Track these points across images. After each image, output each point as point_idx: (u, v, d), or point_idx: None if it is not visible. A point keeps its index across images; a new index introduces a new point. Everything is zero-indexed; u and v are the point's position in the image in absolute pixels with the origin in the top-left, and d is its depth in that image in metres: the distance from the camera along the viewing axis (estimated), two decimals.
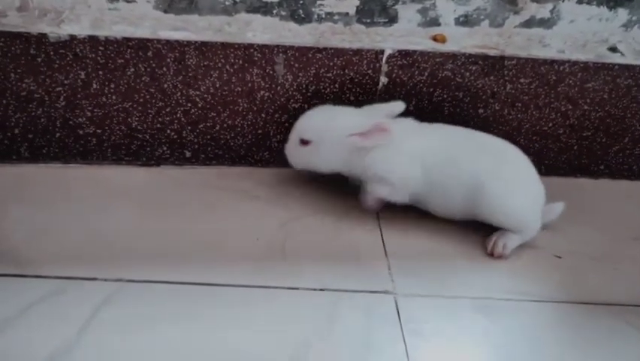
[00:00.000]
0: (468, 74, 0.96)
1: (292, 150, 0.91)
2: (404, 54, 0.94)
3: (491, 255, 0.84)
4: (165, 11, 0.90)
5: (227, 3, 0.90)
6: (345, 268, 0.78)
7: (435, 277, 0.77)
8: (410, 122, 0.91)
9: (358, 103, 0.95)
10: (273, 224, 0.85)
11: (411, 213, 0.89)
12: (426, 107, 0.98)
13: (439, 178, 0.85)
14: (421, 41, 0.96)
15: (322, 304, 0.72)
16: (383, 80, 0.96)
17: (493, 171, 0.84)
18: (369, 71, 0.95)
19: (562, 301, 0.76)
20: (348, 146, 0.86)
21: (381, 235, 0.85)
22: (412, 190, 0.86)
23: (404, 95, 0.97)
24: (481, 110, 1.00)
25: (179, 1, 0.89)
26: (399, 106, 0.90)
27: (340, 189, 0.94)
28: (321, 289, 0.73)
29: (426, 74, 0.96)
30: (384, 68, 0.95)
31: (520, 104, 1.00)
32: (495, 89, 0.98)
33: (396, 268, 0.78)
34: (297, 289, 0.73)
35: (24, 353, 0.61)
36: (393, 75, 0.95)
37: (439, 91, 0.97)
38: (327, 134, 0.88)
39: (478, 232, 0.86)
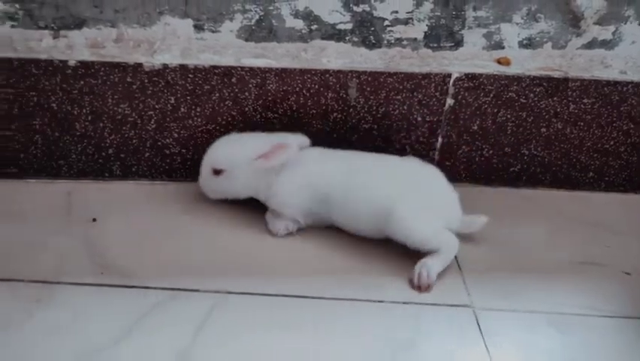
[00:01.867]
0: (532, 95, 1.00)
1: (207, 182, 0.95)
2: (470, 77, 0.98)
3: (418, 288, 0.82)
4: (246, 40, 0.96)
5: (303, 31, 0.96)
6: None
7: (509, 291, 0.81)
8: (314, 151, 0.94)
9: (424, 123, 1.02)
10: (353, 240, 0.90)
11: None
12: (489, 127, 1.03)
13: (342, 203, 0.87)
14: (485, 64, 1.00)
15: (406, 317, 0.77)
16: (449, 101, 1.00)
17: (399, 195, 0.84)
18: (437, 93, 0.99)
19: (634, 317, 0.80)
20: (257, 169, 0.90)
21: None
22: (312, 216, 0.90)
23: (469, 115, 1.01)
24: (543, 129, 1.03)
25: (260, 30, 0.96)
26: (304, 141, 0.94)
27: None
28: (404, 303, 0.79)
29: (491, 95, 1.00)
30: (451, 90, 0.99)
31: (582, 123, 1.03)
32: (558, 109, 1.02)
33: (471, 282, 0.83)
34: (382, 302, 0.79)
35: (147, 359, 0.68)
36: (459, 97, 1.00)
37: (503, 111, 1.01)
38: (237, 160, 0.91)
39: (550, 245, 0.90)
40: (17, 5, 0.88)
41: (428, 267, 0.82)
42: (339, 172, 0.89)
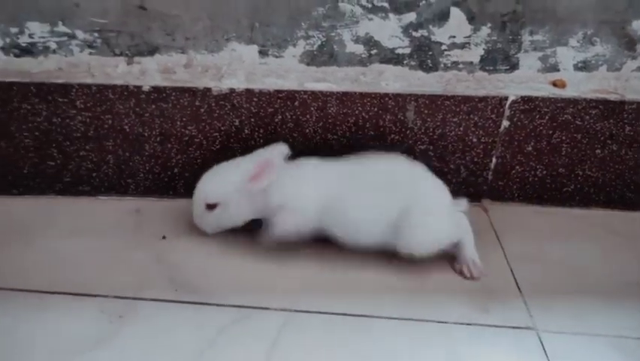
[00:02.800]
0: (587, 117, 1.01)
1: (202, 219, 0.94)
2: (527, 100, 1.00)
3: (472, 278, 0.88)
4: (308, 64, 1.00)
5: (363, 55, 1.00)
6: (481, 302, 0.85)
7: (571, 313, 0.83)
8: (312, 163, 0.94)
9: (479, 144, 1.04)
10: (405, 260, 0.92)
11: (536, 244, 0.96)
12: (544, 148, 1.04)
13: (344, 216, 0.88)
14: (541, 87, 1.02)
15: (469, 338, 0.78)
16: (505, 123, 1.02)
17: (408, 207, 0.86)
18: (493, 116, 1.01)
19: None
20: (250, 193, 0.91)
21: (511, 269, 0.92)
22: (315, 222, 0.90)
23: (524, 136, 1.03)
24: (598, 151, 1.04)
25: (321, 55, 0.99)
26: (283, 149, 0.94)
27: None
28: (467, 324, 0.81)
29: (546, 117, 1.01)
30: (507, 112, 1.01)
31: (637, 145, 1.04)
32: (613, 131, 1.02)
33: (532, 304, 0.84)
34: (445, 323, 0.81)
35: None
36: (515, 119, 1.01)
37: (558, 133, 1.03)
38: (228, 190, 0.91)
39: (607, 265, 0.91)
40: (96, 34, 0.94)
41: (468, 258, 0.88)
42: (340, 185, 0.89)
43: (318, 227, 0.91)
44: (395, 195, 0.88)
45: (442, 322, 0.80)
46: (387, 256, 0.91)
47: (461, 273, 0.89)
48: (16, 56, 0.95)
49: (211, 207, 0.93)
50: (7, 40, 0.94)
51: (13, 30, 0.93)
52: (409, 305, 0.83)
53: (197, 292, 0.84)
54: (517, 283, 0.88)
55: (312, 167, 0.92)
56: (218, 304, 0.82)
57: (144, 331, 0.77)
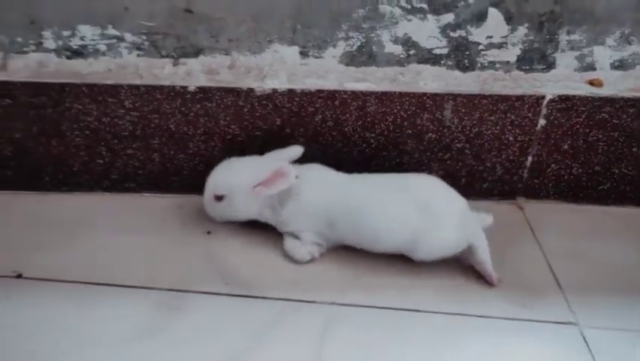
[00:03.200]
0: (625, 115, 1.02)
1: (210, 206, 0.97)
2: (564, 99, 1.01)
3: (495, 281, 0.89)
4: (347, 65, 1.02)
5: (401, 56, 1.02)
6: (521, 297, 0.87)
7: (611, 309, 0.84)
8: (320, 172, 0.96)
9: (515, 142, 1.05)
10: None
11: (573, 242, 0.97)
12: (580, 146, 1.05)
13: (354, 225, 0.89)
14: (577, 85, 1.03)
15: (512, 333, 0.80)
16: (542, 122, 1.03)
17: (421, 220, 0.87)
18: (529, 114, 1.02)
19: None
20: (258, 196, 0.92)
21: (549, 266, 0.93)
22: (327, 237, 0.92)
23: (560, 135, 1.04)
24: (635, 149, 1.04)
25: (360, 55, 1.01)
26: (297, 151, 0.97)
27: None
28: (509, 318, 0.82)
29: (583, 116, 1.02)
30: (544, 111, 1.02)
31: None
32: None
33: (573, 300, 0.86)
34: (486, 317, 0.82)
35: None
36: (552, 117, 1.03)
37: (595, 131, 1.03)
38: (236, 186, 0.93)
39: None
40: (144, 37, 0.97)
41: (483, 262, 0.88)
42: (346, 195, 0.91)
43: (334, 241, 0.93)
44: (407, 203, 0.89)
45: (485, 316, 0.82)
46: None
47: (490, 280, 0.89)
48: (68, 58, 0.99)
49: (218, 198, 0.95)
50: (60, 42, 0.97)
51: (66, 33, 0.97)
52: (450, 300, 0.85)
53: (246, 285, 0.87)
54: (556, 280, 0.90)
55: (322, 188, 0.93)
56: (266, 297, 0.85)
57: (198, 322, 0.80)
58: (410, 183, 0.93)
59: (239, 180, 0.93)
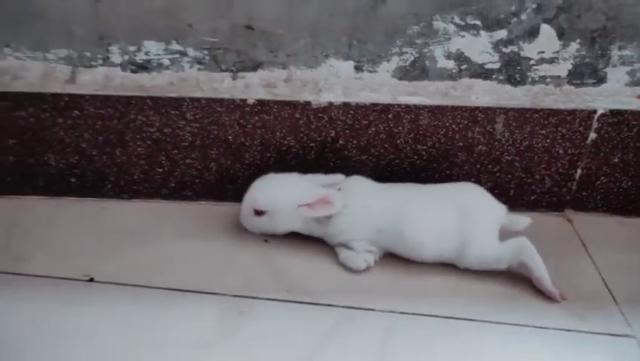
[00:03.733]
0: None
1: (247, 220, 0.99)
2: (615, 113, 1.02)
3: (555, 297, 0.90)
4: (400, 79, 1.05)
5: (453, 70, 1.04)
6: (576, 309, 0.88)
7: None
8: (363, 183, 0.98)
9: (565, 155, 1.06)
10: None
11: (625, 254, 0.98)
12: (630, 160, 1.06)
13: (400, 235, 0.91)
14: (628, 100, 1.04)
15: (569, 344, 0.82)
16: (592, 135, 1.04)
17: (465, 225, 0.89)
18: (580, 128, 1.04)
19: None
20: (299, 216, 0.94)
21: (602, 278, 0.94)
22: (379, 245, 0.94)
23: (610, 148, 1.05)
24: None
25: (413, 70, 1.04)
26: (340, 178, 0.98)
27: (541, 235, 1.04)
28: (567, 330, 0.84)
29: (635, 130, 1.04)
30: (595, 125, 1.04)
31: None
32: None
33: (628, 312, 0.87)
34: (544, 328, 0.84)
35: None
36: (602, 131, 1.04)
37: None
38: (279, 204, 0.95)
39: None
40: (205, 52, 1.01)
41: (539, 272, 0.89)
42: (394, 204, 0.93)
43: (384, 248, 0.96)
44: (448, 211, 0.91)
45: (542, 327, 0.84)
46: None
47: (550, 295, 0.90)
48: (133, 71, 1.03)
49: (259, 213, 0.97)
50: (126, 57, 1.02)
51: (132, 48, 1.01)
52: (508, 310, 0.87)
53: (305, 292, 0.90)
54: (610, 292, 0.91)
55: (367, 199, 0.95)
56: (325, 304, 0.88)
57: (262, 328, 0.83)
58: (451, 191, 0.96)
59: (283, 198, 0.95)
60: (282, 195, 0.96)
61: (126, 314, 0.85)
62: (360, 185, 0.99)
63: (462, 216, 0.91)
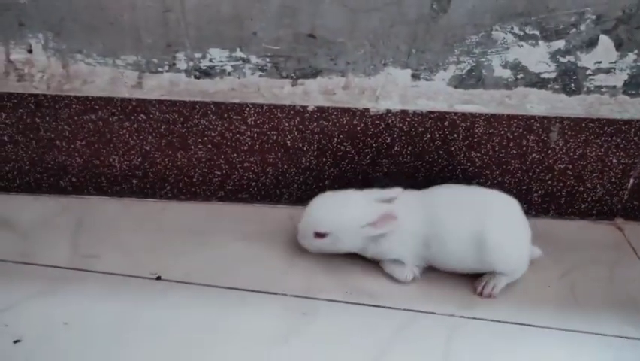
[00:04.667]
0: None
1: (307, 241, 0.97)
2: None
3: (480, 295, 0.93)
4: (455, 87, 1.07)
5: (509, 80, 1.05)
6: (635, 316, 0.89)
7: None
8: (407, 197, 0.96)
9: (618, 164, 1.07)
10: (556, 273, 0.99)
11: None
12: None
13: (439, 243, 0.92)
14: None
15: (625, 351, 0.83)
16: None
17: (492, 225, 0.90)
18: (635, 138, 1.05)
19: None
20: (362, 235, 0.93)
21: None
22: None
23: None
24: None
25: (469, 78, 1.06)
26: (398, 192, 0.96)
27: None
28: (626, 337, 0.85)
29: None
30: None
31: None
32: None
33: None
34: (603, 335, 0.85)
35: None
36: None
37: None
38: (343, 225, 0.93)
39: None
40: (267, 59, 1.04)
41: (497, 280, 0.93)
42: (431, 214, 0.93)
43: (428, 260, 0.96)
44: (475, 217, 0.91)
45: (601, 334, 0.86)
46: (544, 268, 0.98)
47: (477, 285, 0.93)
48: (196, 77, 1.07)
49: (320, 235, 0.95)
50: (191, 64, 1.06)
51: (197, 55, 1.05)
52: (566, 316, 0.89)
53: (366, 294, 0.93)
54: None
55: (414, 210, 0.94)
56: (387, 307, 0.90)
57: (326, 328, 0.86)
58: (479, 200, 0.95)
59: (347, 220, 0.94)
60: (345, 217, 0.94)
61: (194, 312, 0.88)
62: (405, 199, 0.97)
63: (487, 227, 0.90)
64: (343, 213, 0.94)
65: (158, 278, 0.96)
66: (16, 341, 0.81)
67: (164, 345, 0.83)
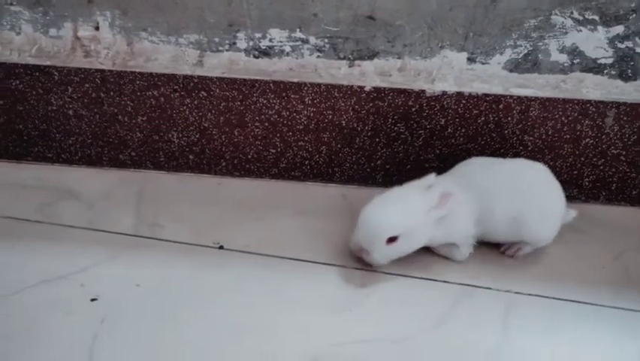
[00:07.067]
0: None
1: (376, 254, 0.92)
2: None
3: (502, 253, 0.99)
4: (510, 71, 1.08)
5: (565, 64, 1.06)
6: None
7: None
8: (445, 180, 0.98)
9: None
10: (609, 256, 1.00)
11: None
12: None
13: (491, 220, 0.95)
14: None
15: None
16: None
17: (529, 202, 0.94)
18: None
19: None
20: (429, 223, 0.92)
21: None
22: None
23: None
24: None
25: (525, 63, 1.07)
26: (433, 178, 0.97)
27: None
28: None
29: None
30: None
31: None
32: None
33: None
34: None
35: (464, 347, 0.81)
36: None
37: None
38: (410, 220, 0.91)
39: None
40: (326, 40, 1.07)
41: (523, 246, 0.97)
42: (478, 191, 0.95)
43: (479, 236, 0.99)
44: (514, 193, 0.95)
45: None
46: (597, 251, 1.00)
47: (505, 248, 0.99)
48: (255, 57, 1.10)
49: (392, 240, 0.92)
50: (251, 43, 1.09)
51: (257, 35, 1.08)
52: (621, 295, 0.90)
53: (421, 268, 0.95)
54: None
55: (462, 191, 0.95)
56: (443, 281, 0.93)
57: (384, 299, 0.89)
58: (514, 174, 0.98)
59: (412, 213, 0.92)
60: (410, 211, 0.92)
61: (257, 280, 0.92)
62: (451, 182, 0.98)
63: (524, 196, 0.94)
64: (406, 208, 0.93)
65: (221, 248, 0.99)
66: (93, 300, 0.86)
67: (230, 309, 0.87)
